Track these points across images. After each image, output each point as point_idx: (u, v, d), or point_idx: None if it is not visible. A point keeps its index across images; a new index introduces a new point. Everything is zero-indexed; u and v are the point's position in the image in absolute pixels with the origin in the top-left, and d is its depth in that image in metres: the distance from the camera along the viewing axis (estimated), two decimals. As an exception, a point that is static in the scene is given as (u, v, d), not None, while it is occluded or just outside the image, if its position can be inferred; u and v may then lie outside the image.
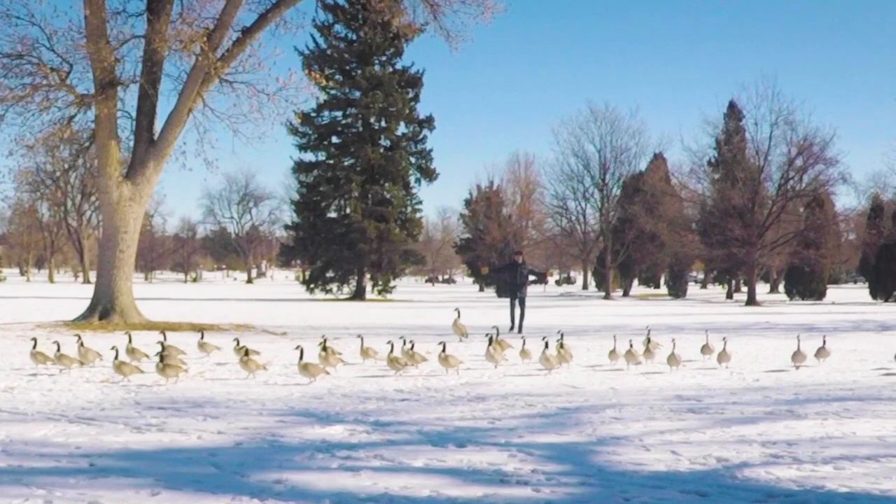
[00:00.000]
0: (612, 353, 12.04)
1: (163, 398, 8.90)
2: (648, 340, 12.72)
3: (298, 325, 21.06)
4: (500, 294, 56.01)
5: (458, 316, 15.98)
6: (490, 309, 32.68)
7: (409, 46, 45.08)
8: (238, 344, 11.92)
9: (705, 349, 12.77)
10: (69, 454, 6.22)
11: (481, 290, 70.05)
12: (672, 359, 11.55)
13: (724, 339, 12.71)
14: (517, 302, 19.10)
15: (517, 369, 11.74)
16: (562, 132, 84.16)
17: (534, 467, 5.92)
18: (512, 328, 18.53)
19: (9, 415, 7.86)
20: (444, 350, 11.01)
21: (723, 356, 12.02)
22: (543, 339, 11.73)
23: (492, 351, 11.52)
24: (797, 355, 12.05)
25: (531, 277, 20.16)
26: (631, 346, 12.20)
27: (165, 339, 11.79)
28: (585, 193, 61.01)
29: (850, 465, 6.06)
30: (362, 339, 12.29)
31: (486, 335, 12.37)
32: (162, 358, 10.11)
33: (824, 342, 12.78)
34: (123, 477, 5.55)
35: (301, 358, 10.13)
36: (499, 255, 60.74)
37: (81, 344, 11.29)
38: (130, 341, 11.42)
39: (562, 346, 11.82)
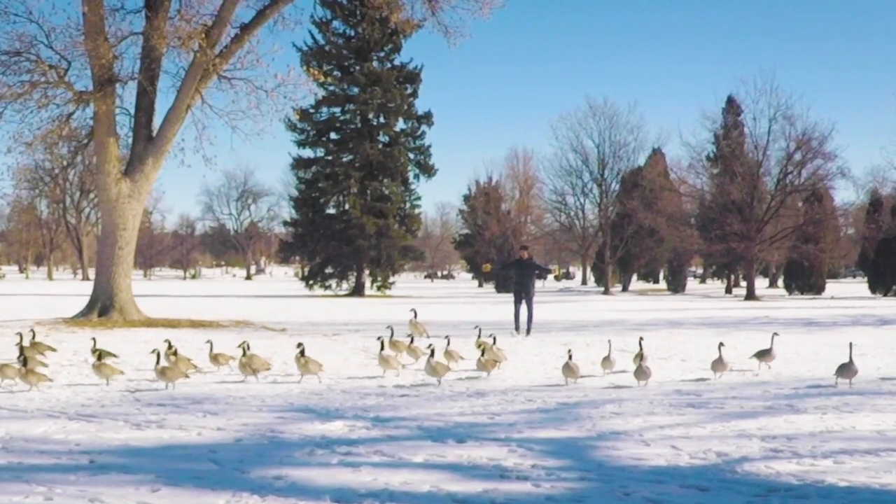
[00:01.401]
0: (606, 360, 10.81)
1: (162, 395, 8.91)
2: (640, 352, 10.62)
3: (297, 321, 21.06)
4: (499, 290, 56.05)
5: (415, 316, 15.39)
6: (489, 305, 32.70)
7: (408, 42, 45.04)
8: (95, 344, 10.65)
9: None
10: (69, 451, 6.22)
11: (480, 285, 70.09)
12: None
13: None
14: (524, 301, 17.43)
15: (513, 364, 11.73)
16: (560, 127, 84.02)
17: (534, 462, 5.93)
18: (517, 329, 17.11)
19: (9, 412, 7.86)
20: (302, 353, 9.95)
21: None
22: (446, 337, 10.79)
23: (384, 355, 10.53)
24: (718, 363, 10.35)
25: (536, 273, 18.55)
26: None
27: (22, 339, 10.78)
28: (584, 189, 61.07)
29: (849, 459, 6.06)
30: (211, 345, 10.90)
31: (378, 338, 11.04)
32: (25, 362, 9.16)
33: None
34: (123, 474, 5.55)
35: (158, 362, 9.48)
36: (498, 251, 60.74)
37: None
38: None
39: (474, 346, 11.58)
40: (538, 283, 19.61)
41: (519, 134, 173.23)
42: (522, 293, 17.46)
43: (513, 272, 18.79)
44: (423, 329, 15.18)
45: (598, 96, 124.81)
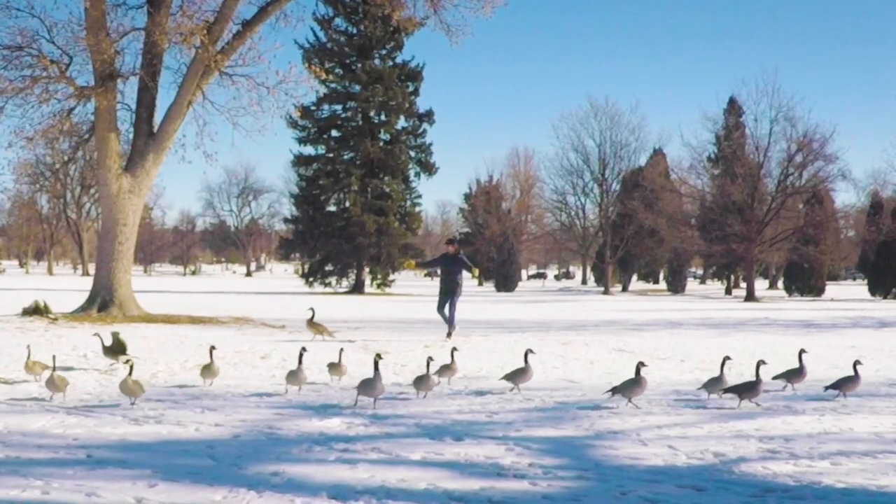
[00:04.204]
0: (335, 366, 9.49)
1: (160, 390, 8.90)
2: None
3: (297, 318, 21.03)
4: (499, 288, 56.08)
5: (313, 315, 14.66)
6: (488, 304, 32.71)
7: (410, 40, 45.19)
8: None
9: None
10: (67, 445, 6.23)
11: (480, 284, 70.11)
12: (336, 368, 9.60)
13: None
14: (449, 302, 15.75)
15: (512, 364, 11.71)
16: (562, 127, 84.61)
17: (531, 461, 5.93)
18: (449, 334, 15.38)
19: (7, 406, 7.86)
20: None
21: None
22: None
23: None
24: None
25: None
26: None
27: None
28: (585, 188, 61.26)
29: (846, 460, 6.06)
30: (29, 351, 9.51)
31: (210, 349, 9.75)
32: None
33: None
34: (121, 468, 5.55)
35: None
36: (498, 250, 60.82)
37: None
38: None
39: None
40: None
41: (520, 133, 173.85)
42: (450, 292, 15.84)
43: (439, 268, 16.72)
44: (323, 329, 14.45)
45: (600, 96, 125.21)
